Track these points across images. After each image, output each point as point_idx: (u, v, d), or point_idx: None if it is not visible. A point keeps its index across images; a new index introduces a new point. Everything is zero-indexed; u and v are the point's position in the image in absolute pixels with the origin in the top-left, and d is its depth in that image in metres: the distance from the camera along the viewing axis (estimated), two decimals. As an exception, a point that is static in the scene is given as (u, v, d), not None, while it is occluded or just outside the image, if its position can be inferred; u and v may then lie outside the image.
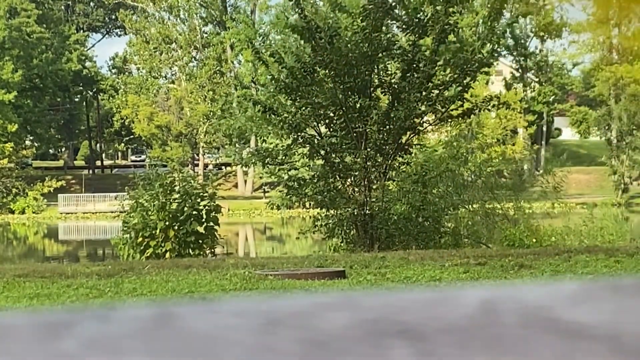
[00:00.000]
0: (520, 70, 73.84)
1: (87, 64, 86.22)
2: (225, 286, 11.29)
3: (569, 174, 24.50)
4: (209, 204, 19.20)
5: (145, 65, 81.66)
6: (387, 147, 18.50)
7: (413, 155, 19.39)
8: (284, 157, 20.47)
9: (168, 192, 18.95)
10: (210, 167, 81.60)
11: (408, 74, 18.36)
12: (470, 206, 20.50)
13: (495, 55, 19.79)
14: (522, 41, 73.71)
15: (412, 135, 18.91)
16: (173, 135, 75.44)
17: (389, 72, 18.67)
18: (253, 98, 20.86)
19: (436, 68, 18.15)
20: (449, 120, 19.56)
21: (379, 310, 0.68)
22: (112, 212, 60.42)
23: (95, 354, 0.63)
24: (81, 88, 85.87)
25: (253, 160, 21.66)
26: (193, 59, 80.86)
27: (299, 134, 18.86)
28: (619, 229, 20.50)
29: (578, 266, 12.57)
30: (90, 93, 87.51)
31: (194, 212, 18.78)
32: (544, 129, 74.13)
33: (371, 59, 18.26)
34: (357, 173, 18.42)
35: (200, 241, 18.98)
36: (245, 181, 76.26)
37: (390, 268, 12.93)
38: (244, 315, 0.67)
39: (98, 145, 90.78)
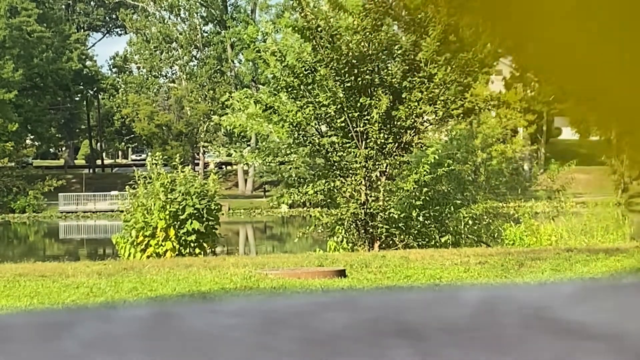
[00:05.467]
0: (520, 70, 73.84)
1: (88, 63, 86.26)
2: (225, 285, 11.29)
3: (568, 174, 24.48)
4: (209, 203, 19.22)
5: (146, 64, 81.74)
6: (388, 146, 18.49)
7: (414, 154, 19.39)
8: (284, 156, 20.48)
9: (169, 191, 18.97)
10: (212, 166, 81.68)
11: (409, 74, 18.36)
12: (470, 205, 20.50)
13: (497, 57, 19.80)
14: (523, 40, 73.67)
15: (413, 135, 18.91)
16: (173, 135, 75.50)
17: (390, 72, 18.67)
18: (254, 97, 20.86)
19: (437, 68, 18.14)
20: (450, 119, 19.57)
21: (379, 309, 0.68)
22: (112, 211, 60.46)
23: (95, 354, 0.63)
24: (82, 87, 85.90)
25: (254, 157, 21.67)
26: (193, 58, 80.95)
27: (299, 132, 18.86)
28: (619, 228, 20.49)
29: (578, 266, 12.57)
30: (91, 92, 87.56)
31: (195, 211, 18.79)
32: (544, 128, 74.14)
33: (372, 59, 18.26)
34: (357, 172, 18.42)
35: (201, 240, 18.99)
36: (246, 180, 76.28)
37: (391, 267, 12.93)
38: (245, 314, 0.67)
39: (98, 144, 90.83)
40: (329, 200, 18.99)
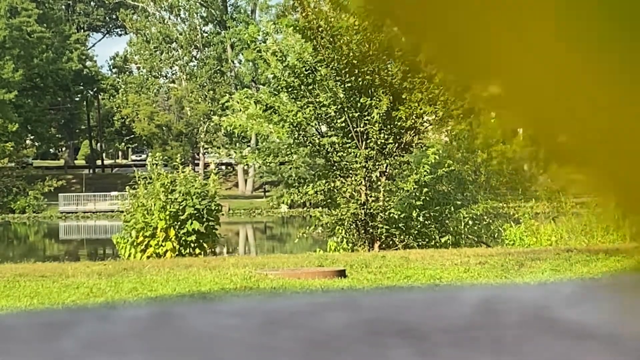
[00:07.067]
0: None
1: (88, 63, 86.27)
2: (225, 285, 11.29)
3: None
4: (209, 204, 19.23)
5: (146, 64, 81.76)
6: (388, 146, 18.51)
7: (414, 154, 19.40)
8: (285, 156, 20.49)
9: (169, 191, 18.97)
10: (212, 166, 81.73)
11: (409, 75, 18.37)
12: (471, 205, 20.51)
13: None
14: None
15: (413, 135, 18.92)
16: (173, 135, 75.53)
17: (390, 73, 18.68)
18: (254, 97, 20.87)
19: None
20: (450, 119, 19.58)
21: (379, 309, 0.68)
22: (112, 211, 60.49)
23: (95, 354, 0.63)
24: (82, 87, 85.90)
25: (254, 158, 21.68)
26: (193, 59, 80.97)
27: (300, 133, 18.87)
28: (619, 229, 20.46)
29: (578, 266, 12.57)
30: (91, 92, 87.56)
31: (195, 212, 18.80)
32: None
33: (372, 59, 18.27)
34: (357, 172, 18.43)
35: (201, 240, 19.00)
36: (246, 180, 76.31)
37: (391, 267, 12.93)
38: (245, 314, 0.67)
39: (98, 144, 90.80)
40: (329, 200, 18.99)
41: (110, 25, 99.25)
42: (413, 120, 18.50)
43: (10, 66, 68.39)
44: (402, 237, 18.72)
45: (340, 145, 18.62)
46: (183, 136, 75.72)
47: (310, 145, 18.96)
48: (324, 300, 0.69)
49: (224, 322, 0.66)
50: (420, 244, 18.71)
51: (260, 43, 21.92)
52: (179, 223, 18.71)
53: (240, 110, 22.62)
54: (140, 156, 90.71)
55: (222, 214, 21.86)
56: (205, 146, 76.46)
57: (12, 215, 64.73)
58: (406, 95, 18.33)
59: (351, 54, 18.13)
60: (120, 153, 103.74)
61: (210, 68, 76.89)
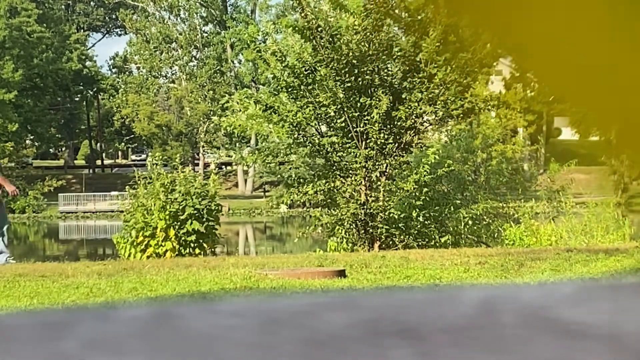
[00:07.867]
0: (520, 70, 73.84)
1: (88, 63, 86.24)
2: (225, 285, 11.29)
3: (569, 174, 24.53)
4: (209, 204, 19.23)
5: (146, 64, 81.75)
6: (388, 146, 18.50)
7: (414, 154, 19.40)
8: (284, 156, 20.48)
9: (169, 191, 18.98)
10: (212, 166, 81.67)
11: (409, 74, 18.37)
12: (470, 205, 20.52)
13: (497, 57, 19.80)
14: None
15: (413, 135, 18.91)
16: (173, 135, 75.53)
17: (390, 73, 18.67)
18: (254, 97, 20.86)
19: (437, 68, 18.15)
20: (450, 119, 19.58)
21: (379, 309, 0.68)
22: (112, 211, 60.50)
23: (95, 354, 0.63)
24: (81, 87, 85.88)
25: (254, 158, 21.68)
26: (193, 59, 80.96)
27: (299, 133, 18.87)
28: (619, 229, 20.49)
29: (578, 266, 12.56)
30: (91, 92, 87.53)
31: (195, 212, 18.80)
32: (544, 128, 74.22)
33: (372, 59, 18.27)
34: (357, 172, 18.42)
35: (201, 240, 19.00)
36: (246, 180, 76.32)
37: (391, 267, 12.93)
38: (244, 314, 0.67)
39: (98, 144, 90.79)
40: (329, 200, 18.98)
41: (110, 25, 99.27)
42: (413, 120, 18.49)
43: (10, 66, 68.36)
44: (402, 237, 18.72)
45: (340, 145, 18.62)
46: (183, 136, 75.72)
47: (310, 145, 18.96)
48: (324, 300, 0.69)
49: (223, 322, 0.66)
50: (420, 244, 18.71)
51: (260, 43, 21.93)
52: (178, 223, 18.72)
53: (240, 110, 22.60)
54: (140, 156, 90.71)
55: (222, 214, 21.85)
56: (205, 146, 76.45)
57: (12, 215, 64.71)
58: (406, 95, 18.33)
59: (351, 53, 18.12)
60: (120, 153, 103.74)
61: (210, 68, 76.88)
